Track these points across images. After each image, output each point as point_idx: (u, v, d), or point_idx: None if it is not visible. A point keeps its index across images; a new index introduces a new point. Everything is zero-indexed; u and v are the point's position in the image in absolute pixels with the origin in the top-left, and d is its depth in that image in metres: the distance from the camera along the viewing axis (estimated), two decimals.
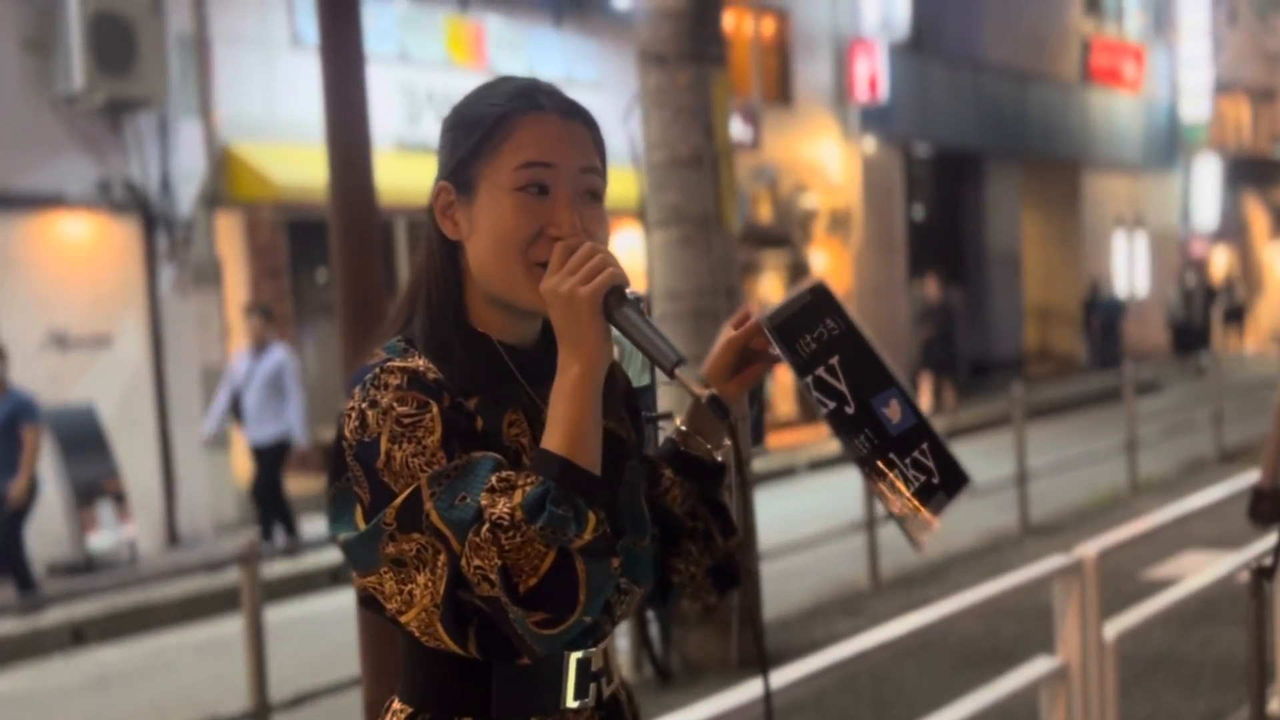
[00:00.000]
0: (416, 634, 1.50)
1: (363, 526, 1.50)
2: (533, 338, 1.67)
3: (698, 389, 1.53)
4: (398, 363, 1.55)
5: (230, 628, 7.36)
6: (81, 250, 10.62)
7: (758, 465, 8.48)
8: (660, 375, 1.59)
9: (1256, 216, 34.00)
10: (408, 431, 1.49)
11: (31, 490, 8.66)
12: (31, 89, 10.12)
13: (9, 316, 9.93)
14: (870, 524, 8.16)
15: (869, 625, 4.01)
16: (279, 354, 9.92)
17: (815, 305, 1.62)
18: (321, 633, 7.86)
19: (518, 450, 1.58)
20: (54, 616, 8.48)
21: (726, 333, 1.70)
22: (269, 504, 9.95)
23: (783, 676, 3.08)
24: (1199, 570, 5.61)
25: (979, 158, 22.82)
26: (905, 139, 20.54)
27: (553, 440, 1.50)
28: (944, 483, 1.61)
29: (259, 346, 9.92)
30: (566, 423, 1.50)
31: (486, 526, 1.43)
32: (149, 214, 10.89)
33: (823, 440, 13.46)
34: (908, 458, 1.60)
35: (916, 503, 1.59)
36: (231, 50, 11.44)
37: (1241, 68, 31.70)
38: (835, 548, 8.73)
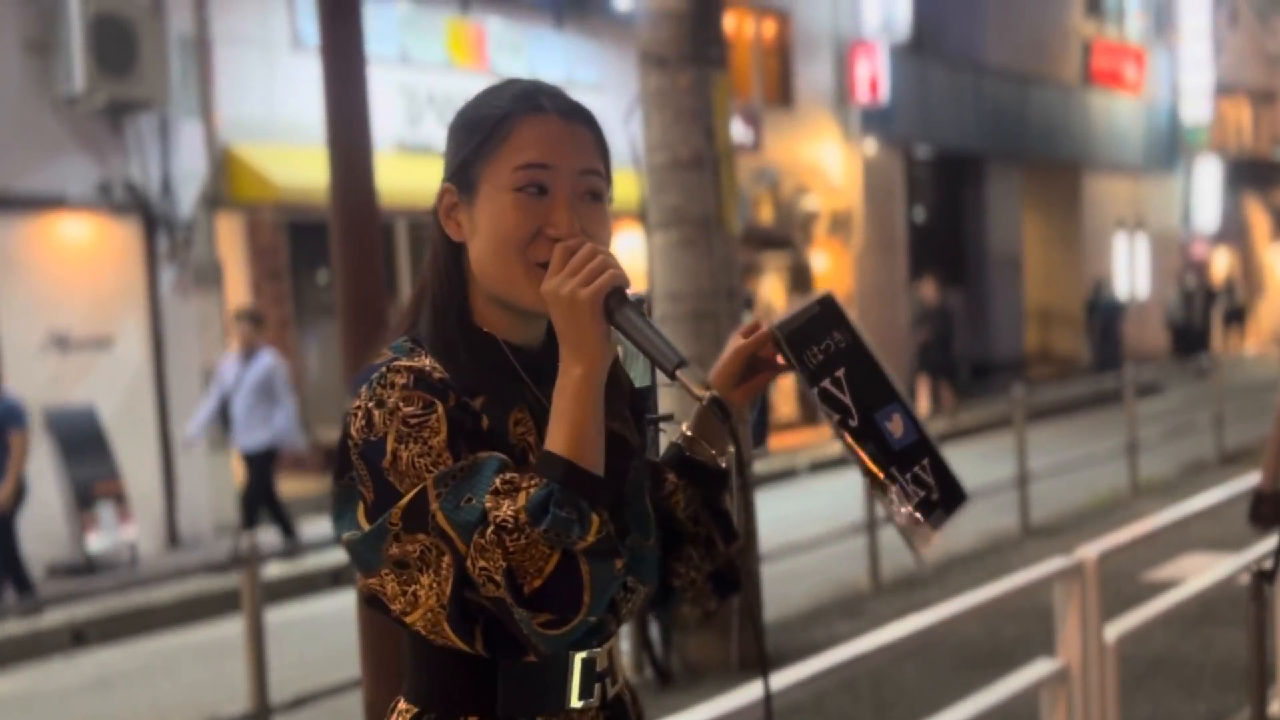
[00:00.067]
0: (423, 633, 1.50)
1: (365, 525, 1.51)
2: (538, 338, 1.68)
3: (699, 390, 1.54)
4: (404, 362, 1.56)
5: (231, 629, 7.35)
6: (82, 251, 10.62)
7: (759, 467, 8.48)
8: (661, 377, 1.59)
9: (1257, 218, 34.01)
10: (414, 431, 1.50)
11: (19, 495, 8.64)
12: (32, 90, 10.13)
13: (10, 318, 9.94)
14: (871, 526, 8.16)
15: (869, 627, 4.01)
16: (268, 359, 9.84)
17: (823, 317, 1.64)
18: (322, 634, 7.86)
19: (524, 449, 1.58)
20: (54, 618, 8.49)
21: (735, 341, 1.72)
22: (258, 509, 9.89)
23: (783, 678, 3.08)
24: (1200, 572, 5.61)
25: (980, 159, 22.82)
26: (906, 141, 20.54)
27: (556, 442, 1.50)
28: (943, 499, 1.63)
29: (248, 352, 9.83)
30: (569, 424, 1.50)
31: (491, 529, 1.44)
32: (150, 215, 10.89)
33: (823, 442, 13.46)
34: (908, 473, 1.62)
35: (917, 518, 1.60)
36: (232, 51, 11.44)
37: (1242, 70, 31.70)
38: (836, 549, 8.73)
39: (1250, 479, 4.59)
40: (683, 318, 6.25)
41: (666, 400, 1.96)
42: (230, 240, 11.98)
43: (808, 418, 15.10)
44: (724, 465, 1.78)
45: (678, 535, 1.77)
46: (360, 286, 4.47)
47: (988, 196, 23.26)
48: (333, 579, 9.24)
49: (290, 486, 10.86)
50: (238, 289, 11.98)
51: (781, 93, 18.22)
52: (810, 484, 13.01)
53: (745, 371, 1.71)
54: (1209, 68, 29.05)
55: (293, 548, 9.73)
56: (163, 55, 10.52)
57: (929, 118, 20.56)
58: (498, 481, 1.47)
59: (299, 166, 10.55)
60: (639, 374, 1.90)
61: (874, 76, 18.65)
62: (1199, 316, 27.56)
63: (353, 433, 1.53)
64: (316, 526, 10.15)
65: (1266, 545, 4.13)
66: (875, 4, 18.94)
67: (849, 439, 1.61)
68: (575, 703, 1.62)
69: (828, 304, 1.64)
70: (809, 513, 10.45)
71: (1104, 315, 24.27)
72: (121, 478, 10.21)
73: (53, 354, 10.27)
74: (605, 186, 1.65)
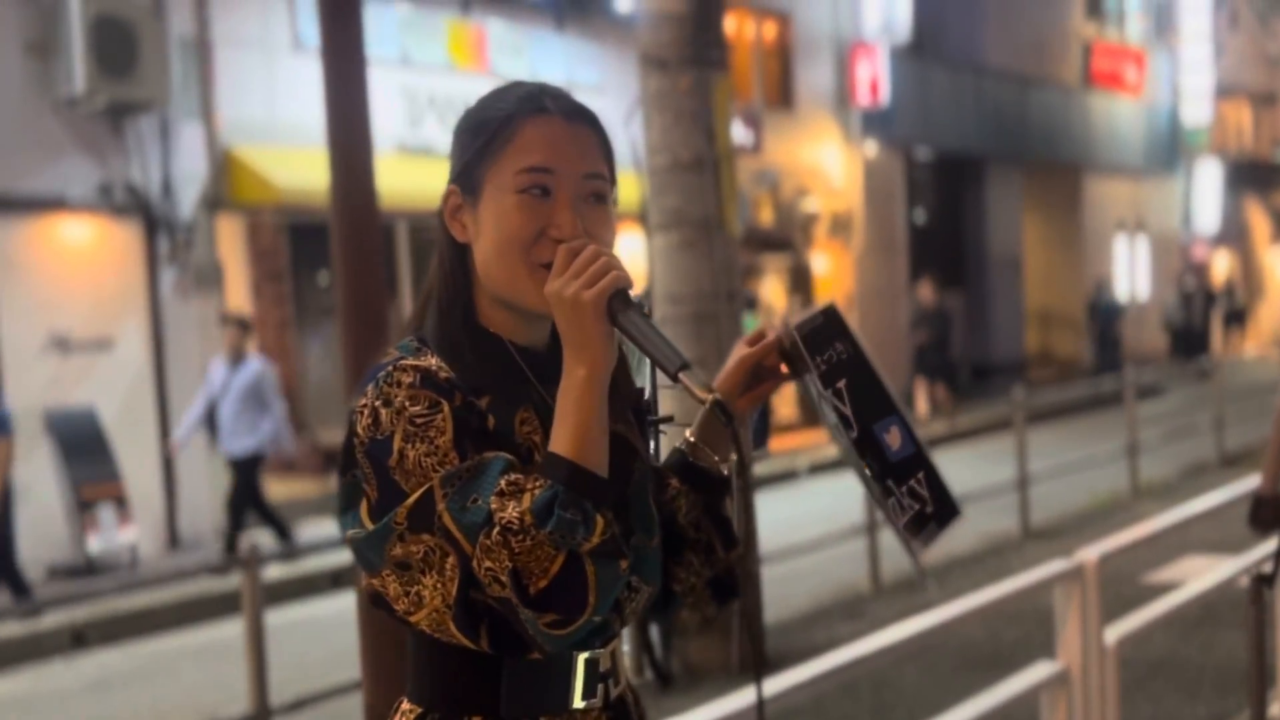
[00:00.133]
0: (428, 632, 1.51)
1: (369, 524, 1.52)
2: (543, 338, 1.68)
3: (701, 393, 1.54)
4: (410, 361, 1.57)
5: (231, 631, 7.35)
6: (83, 253, 10.62)
7: (759, 469, 8.45)
8: (663, 379, 1.60)
9: (1257, 220, 34.01)
10: (420, 431, 1.51)
11: (6, 500, 8.60)
12: (33, 92, 10.12)
13: (10, 319, 9.94)
14: (871, 528, 8.16)
15: (870, 629, 4.02)
16: (256, 365, 9.80)
17: (827, 328, 1.65)
18: (322, 636, 7.86)
19: (530, 449, 1.59)
20: (54, 619, 8.48)
21: (740, 349, 1.73)
22: (244, 514, 9.85)
23: (783, 680, 3.08)
24: (1200, 574, 5.61)
25: (980, 161, 22.82)
26: (906, 142, 20.54)
27: (560, 443, 1.51)
28: (936, 513, 1.65)
29: (236, 357, 9.80)
30: (573, 425, 1.51)
31: (497, 530, 1.45)
32: (150, 217, 10.89)
33: (823, 444, 13.45)
34: (904, 485, 1.63)
35: (909, 531, 1.62)
36: (233, 53, 11.45)
37: (1242, 72, 31.70)
38: (836, 551, 8.73)
39: (1250, 482, 4.59)
40: (683, 320, 6.25)
41: (667, 404, 1.96)
42: (231, 242, 11.98)
43: (808, 420, 15.10)
44: (726, 472, 1.78)
45: (679, 540, 1.78)
46: (361, 288, 4.47)
47: (988, 198, 23.26)
48: (333, 580, 9.24)
49: (288, 489, 10.86)
50: (238, 291, 11.98)
51: (782, 94, 18.22)
52: (810, 486, 13.01)
53: (750, 380, 1.72)
54: (1209, 70, 29.06)
55: (289, 550, 9.72)
56: (163, 57, 10.52)
57: (929, 119, 20.56)
58: (503, 483, 1.48)
59: (299, 168, 10.55)
60: (643, 377, 1.90)
61: (874, 78, 18.65)
62: (1199, 318, 27.55)
63: (359, 430, 1.54)
64: (316, 528, 10.14)
65: (1266, 548, 4.14)
66: (876, 6, 18.94)
67: (842, 448, 1.62)
68: (578, 703, 1.63)
69: (831, 315, 1.65)
70: (809, 514, 10.45)
71: (1103, 317, 24.28)
72: (122, 479, 10.21)
73: (53, 355, 10.26)
74: (609, 188, 1.65)
